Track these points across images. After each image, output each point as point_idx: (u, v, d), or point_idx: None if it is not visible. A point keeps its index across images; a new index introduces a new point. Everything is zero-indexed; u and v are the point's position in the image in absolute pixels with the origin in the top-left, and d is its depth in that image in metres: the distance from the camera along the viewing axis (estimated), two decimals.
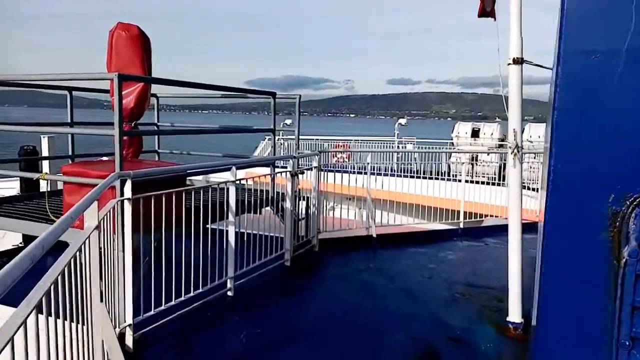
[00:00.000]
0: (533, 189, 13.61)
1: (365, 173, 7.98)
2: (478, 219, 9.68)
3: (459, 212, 8.96)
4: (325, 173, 7.30)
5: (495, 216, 9.77)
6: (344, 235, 7.50)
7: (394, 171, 18.40)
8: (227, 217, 4.84)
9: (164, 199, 3.87)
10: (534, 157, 15.83)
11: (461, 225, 8.56)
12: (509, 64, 4.57)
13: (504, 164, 16.98)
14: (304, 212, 6.74)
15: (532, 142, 16.10)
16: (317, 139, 21.08)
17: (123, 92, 5.97)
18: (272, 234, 5.72)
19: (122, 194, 3.63)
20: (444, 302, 5.44)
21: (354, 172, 9.29)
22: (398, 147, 19.04)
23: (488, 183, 16.53)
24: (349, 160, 20.40)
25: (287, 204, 6.01)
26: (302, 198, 6.64)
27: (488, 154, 15.35)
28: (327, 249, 7.01)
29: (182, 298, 4.17)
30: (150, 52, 5.97)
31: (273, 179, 6.15)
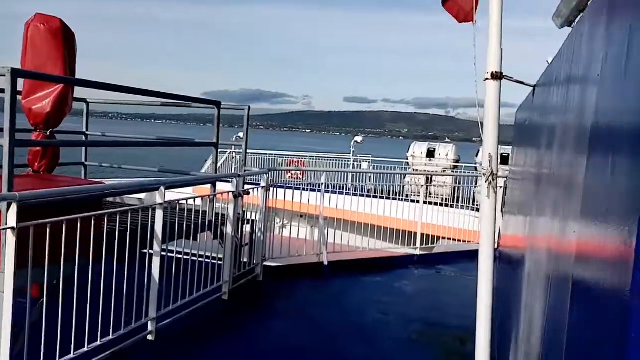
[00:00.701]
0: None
1: (319, 191, 7.33)
2: (433, 244, 9.27)
3: (415, 233, 8.49)
4: (276, 190, 6.62)
5: (452, 239, 9.33)
6: (293, 262, 6.83)
7: (349, 189, 17.97)
8: (151, 246, 4.08)
9: (64, 226, 3.08)
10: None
11: (417, 252, 8.04)
12: (486, 79, 4.03)
13: (458, 186, 16.83)
14: (248, 237, 6.02)
15: (481, 164, 16.00)
16: (271, 154, 20.38)
17: (38, 95, 5.14)
18: (209, 261, 4.97)
19: (5, 222, 2.83)
20: (402, 344, 4.84)
21: (306, 190, 8.61)
22: (353, 164, 18.59)
23: (442, 204, 16.39)
24: (302, 177, 19.80)
25: (228, 229, 5.28)
26: (246, 221, 5.93)
27: (443, 175, 15.09)
28: (273, 277, 6.31)
29: (85, 349, 3.35)
30: (74, 49, 5.14)
31: (213, 200, 5.42)
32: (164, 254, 4.12)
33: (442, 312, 5.82)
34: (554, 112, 3.08)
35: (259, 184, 6.10)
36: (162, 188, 4.10)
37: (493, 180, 3.92)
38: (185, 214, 4.63)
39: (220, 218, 5.47)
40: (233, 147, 21.37)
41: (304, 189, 8.51)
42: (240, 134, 22.04)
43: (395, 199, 15.48)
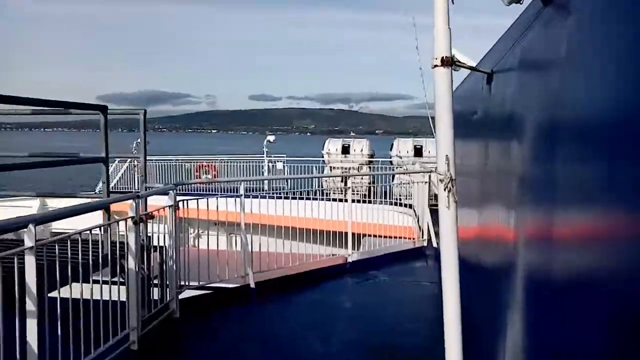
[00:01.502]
0: (405, 205, 13.19)
1: (238, 196, 6.40)
2: (359, 243, 8.72)
3: (344, 233, 7.85)
4: (185, 201, 5.61)
5: (378, 236, 8.74)
6: (213, 286, 5.86)
7: (266, 192, 17.06)
8: (22, 301, 3.01)
9: None
10: (405, 172, 15.63)
11: (349, 259, 7.39)
12: (435, 66, 3.30)
13: (373, 180, 16.59)
14: (156, 267, 4.98)
15: (401, 157, 15.88)
16: (177, 160, 18.89)
17: None
18: (113, 300, 3.91)
19: None
20: None
21: (222, 197, 7.54)
22: (268, 165, 17.70)
23: (359, 201, 16.04)
24: (214, 179, 18.55)
25: (130, 263, 4.24)
26: (152, 249, 4.89)
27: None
28: (192, 311, 5.31)
29: None
30: None
31: (107, 230, 4.32)
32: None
33: (390, 330, 5.18)
34: (521, 102, 2.63)
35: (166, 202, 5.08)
36: (30, 226, 3.02)
37: (452, 186, 3.21)
38: (69, 252, 3.52)
39: (119, 248, 4.39)
40: (134, 154, 19.68)
41: (219, 196, 7.45)
42: (139, 140, 20.27)
43: (315, 198, 14.90)
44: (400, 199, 15.40)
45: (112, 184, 19.01)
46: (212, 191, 17.56)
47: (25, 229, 3.04)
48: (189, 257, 5.52)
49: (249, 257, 6.13)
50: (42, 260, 3.15)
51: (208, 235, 7.31)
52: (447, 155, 3.10)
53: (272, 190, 17.18)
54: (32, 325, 3.06)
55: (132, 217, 4.20)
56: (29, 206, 12.41)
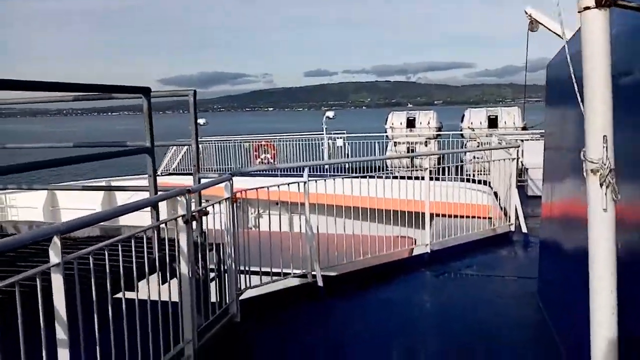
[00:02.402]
0: (479, 181, 12.07)
1: (303, 181, 5.69)
2: (433, 229, 7.83)
3: (419, 214, 7.01)
4: (244, 191, 4.97)
5: (453, 215, 7.66)
6: (278, 287, 5.22)
7: (327, 172, 16.36)
8: (51, 323, 2.44)
9: None
10: (479, 146, 14.36)
11: (428, 249, 6.53)
12: (586, 8, 2.28)
13: (443, 156, 15.44)
14: (214, 267, 4.38)
15: (474, 129, 14.62)
16: (235, 140, 18.49)
17: None
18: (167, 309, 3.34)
19: None
20: None
21: (283, 183, 6.85)
22: (328, 142, 16.96)
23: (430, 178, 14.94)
24: (274, 161, 18.06)
25: (183, 268, 3.63)
26: (207, 247, 4.27)
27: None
28: (254, 314, 4.70)
29: None
30: None
31: (157, 231, 3.72)
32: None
33: (485, 337, 4.34)
34: None
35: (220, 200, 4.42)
36: (55, 239, 2.42)
37: (612, 179, 2.25)
38: (107, 260, 2.92)
39: (168, 249, 3.79)
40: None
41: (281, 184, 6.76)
42: (201, 121, 19.94)
43: (380, 177, 14.02)
44: (473, 175, 14.27)
45: (173, 166, 18.99)
46: (272, 171, 17.14)
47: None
48: (249, 254, 4.87)
49: (315, 251, 5.42)
50: (72, 277, 2.56)
51: (270, 218, 6.68)
52: (604, 136, 2.17)
53: (333, 169, 16.53)
54: (64, 356, 2.50)
55: (183, 216, 3.56)
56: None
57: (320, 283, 5.27)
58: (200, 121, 20.26)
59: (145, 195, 3.90)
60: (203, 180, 4.34)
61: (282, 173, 16.34)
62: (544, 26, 15.61)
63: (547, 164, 5.11)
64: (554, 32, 15.45)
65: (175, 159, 18.45)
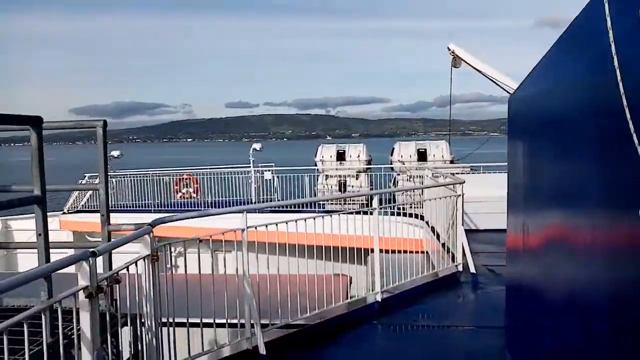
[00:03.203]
0: (412, 215, 11.76)
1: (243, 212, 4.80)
2: (369, 265, 7.21)
3: (361, 250, 6.34)
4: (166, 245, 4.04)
5: (388, 251, 6.96)
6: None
7: (254, 203, 15.44)
8: None
9: None
10: (409, 179, 14.20)
11: (378, 297, 5.85)
12: None
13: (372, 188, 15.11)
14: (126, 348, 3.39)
15: (403, 162, 14.46)
16: (155, 173, 17.06)
17: None
18: None
19: None
20: None
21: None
22: (255, 175, 16.12)
23: (358, 212, 14.51)
24: (196, 195, 16.86)
25: (85, 356, 2.66)
26: (122, 322, 3.30)
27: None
28: None
29: None
30: None
31: (50, 310, 2.72)
32: None
33: None
34: None
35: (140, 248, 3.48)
36: None
37: None
38: None
39: (66, 331, 2.80)
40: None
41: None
42: (114, 153, 18.25)
43: (313, 210, 13.34)
44: (403, 208, 14.02)
45: (82, 202, 17.16)
46: (195, 206, 15.95)
47: None
48: (173, 305, 3.91)
49: (254, 309, 4.53)
50: None
51: (199, 260, 5.63)
52: None
53: (261, 201, 15.66)
54: None
55: (85, 288, 2.62)
56: None
57: (262, 350, 4.38)
58: (114, 153, 18.63)
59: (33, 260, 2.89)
60: (115, 234, 3.39)
61: (205, 210, 15.31)
62: (466, 62, 16.04)
63: (514, 196, 4.68)
64: (475, 68, 15.91)
65: (85, 193, 16.72)
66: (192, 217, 4.50)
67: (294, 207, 14.52)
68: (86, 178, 17.20)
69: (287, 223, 5.09)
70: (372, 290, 5.87)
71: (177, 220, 4.16)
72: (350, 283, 9.31)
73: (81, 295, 2.64)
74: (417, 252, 7.52)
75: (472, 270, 7.01)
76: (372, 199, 6.17)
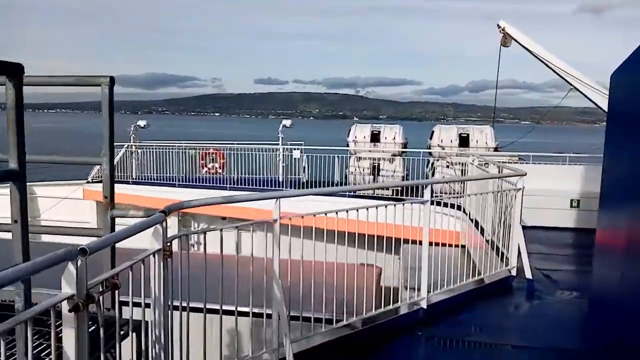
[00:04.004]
0: (452, 205, 10.89)
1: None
2: (402, 256, 6.40)
3: (393, 239, 5.53)
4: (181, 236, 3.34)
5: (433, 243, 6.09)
6: None
7: (281, 182, 14.79)
8: None
9: None
10: (449, 165, 13.28)
11: (423, 304, 5.08)
12: None
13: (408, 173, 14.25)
14: None
15: (443, 147, 13.53)
16: (180, 146, 16.48)
17: None
18: None
19: None
20: None
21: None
22: (284, 153, 15.42)
23: (391, 198, 13.73)
24: (222, 171, 16.28)
25: None
26: (123, 330, 2.62)
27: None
28: None
29: None
30: None
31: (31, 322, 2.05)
32: None
33: None
34: None
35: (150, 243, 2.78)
36: None
37: None
38: None
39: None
40: (132, 138, 17.34)
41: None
42: (141, 122, 17.67)
43: (344, 194, 12.55)
44: (440, 196, 13.11)
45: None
46: (220, 182, 15.37)
47: None
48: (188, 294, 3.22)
49: (285, 321, 3.80)
50: None
51: (221, 239, 4.87)
52: None
53: (289, 181, 14.99)
54: None
55: (71, 298, 1.93)
56: None
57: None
58: (141, 123, 18.11)
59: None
60: (120, 222, 2.69)
61: (232, 187, 14.72)
62: (516, 41, 14.84)
63: (611, 191, 3.85)
64: (526, 48, 14.72)
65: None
66: (214, 203, 3.74)
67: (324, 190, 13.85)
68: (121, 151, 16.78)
69: (326, 214, 4.32)
70: (417, 293, 5.10)
71: (196, 206, 3.44)
72: (380, 275, 8.59)
73: (64, 308, 1.96)
74: (454, 245, 6.67)
75: (529, 275, 6.17)
76: (423, 188, 5.33)
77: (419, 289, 5.10)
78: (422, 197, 5.25)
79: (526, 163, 11.41)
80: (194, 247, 16.40)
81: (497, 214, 6.93)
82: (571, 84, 13.99)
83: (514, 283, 6.16)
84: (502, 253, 6.52)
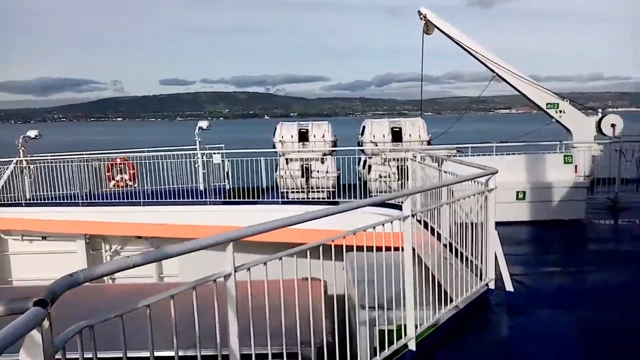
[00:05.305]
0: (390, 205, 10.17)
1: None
2: (346, 265, 5.41)
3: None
4: None
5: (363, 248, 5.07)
6: None
7: (202, 193, 13.33)
8: None
9: None
10: (384, 162, 12.58)
11: (412, 345, 4.12)
12: None
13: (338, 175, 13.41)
14: None
15: (376, 143, 12.81)
16: (81, 157, 14.34)
17: None
18: None
19: None
20: None
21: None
22: (203, 159, 13.93)
23: (325, 202, 12.84)
24: (133, 183, 14.45)
25: None
26: None
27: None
28: None
29: None
30: None
31: None
32: None
33: None
34: None
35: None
36: None
37: None
38: None
39: None
40: (21, 152, 14.91)
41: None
42: (31, 133, 15.28)
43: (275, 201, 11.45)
44: (377, 196, 12.44)
45: None
46: (132, 197, 13.59)
47: None
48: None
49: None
50: None
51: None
52: None
53: (211, 190, 13.56)
54: None
55: None
56: None
57: None
58: (31, 133, 15.70)
59: None
60: None
61: (146, 201, 13.03)
62: (439, 29, 14.49)
63: None
64: (448, 35, 14.41)
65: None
66: (125, 268, 2.38)
67: (247, 198, 12.61)
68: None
69: (280, 259, 3.17)
70: (404, 333, 4.13)
71: (103, 275, 2.17)
72: (326, 290, 7.65)
73: None
74: (400, 249, 5.69)
75: (509, 288, 5.46)
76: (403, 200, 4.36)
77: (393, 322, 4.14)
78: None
79: (465, 155, 10.98)
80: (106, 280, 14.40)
81: (463, 218, 6.17)
82: (494, 72, 13.90)
83: (494, 299, 5.40)
84: (471, 261, 5.73)
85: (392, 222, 4.06)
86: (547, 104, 13.79)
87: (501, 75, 13.80)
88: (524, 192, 9.49)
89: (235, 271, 2.56)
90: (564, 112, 13.76)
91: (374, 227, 3.86)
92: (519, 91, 14.08)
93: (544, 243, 8.53)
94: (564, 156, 10.06)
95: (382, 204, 9.52)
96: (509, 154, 11.36)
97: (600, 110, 14.57)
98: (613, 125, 13.79)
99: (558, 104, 13.73)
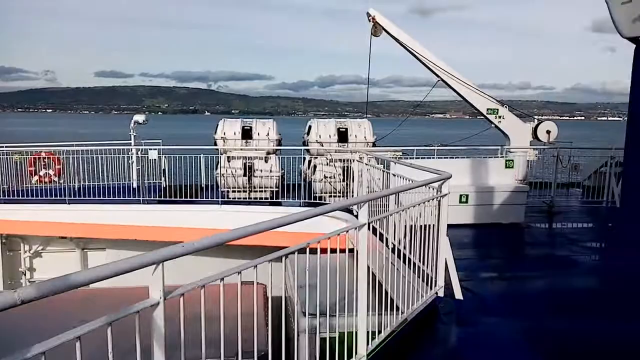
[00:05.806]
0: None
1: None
2: (285, 267, 5.11)
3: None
4: None
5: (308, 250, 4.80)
6: None
7: (135, 191, 12.52)
8: None
9: None
10: (330, 163, 12.31)
11: (365, 352, 3.85)
12: None
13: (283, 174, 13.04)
14: None
15: (322, 143, 12.52)
16: (1, 149, 13.09)
17: None
18: None
19: None
20: None
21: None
22: (138, 154, 13.11)
23: (268, 202, 12.42)
24: (59, 179, 13.37)
25: None
26: None
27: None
28: None
29: None
30: None
31: None
32: None
33: None
34: None
35: None
36: None
37: None
38: None
39: None
40: None
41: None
42: None
43: (215, 201, 10.99)
44: (321, 197, 12.18)
45: None
46: (57, 194, 12.50)
47: None
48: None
49: None
50: None
51: None
52: None
53: (145, 188, 12.77)
54: None
55: None
56: None
57: None
58: None
59: None
60: None
61: (72, 199, 12.05)
62: (387, 32, 14.43)
63: None
64: (395, 38, 14.38)
65: None
66: (44, 296, 1.92)
67: (185, 197, 11.99)
68: None
69: (222, 280, 2.77)
70: (354, 349, 3.84)
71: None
72: (265, 293, 7.30)
73: None
74: (347, 250, 5.42)
75: (459, 296, 5.31)
76: (359, 207, 4.08)
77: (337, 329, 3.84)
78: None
79: (410, 158, 10.92)
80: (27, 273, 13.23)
81: (412, 222, 5.97)
82: (439, 77, 14.02)
83: (444, 309, 5.21)
84: (420, 268, 5.53)
85: (347, 231, 3.77)
86: (487, 109, 14.08)
87: (445, 81, 13.94)
88: (467, 196, 9.53)
89: (165, 299, 2.10)
90: (503, 118, 14.11)
91: (329, 238, 3.54)
92: (462, 97, 14.27)
93: (486, 247, 8.58)
94: (506, 161, 10.22)
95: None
96: (452, 158, 11.44)
97: (536, 117, 15.09)
98: (548, 132, 14.33)
99: (498, 109, 14.05)
